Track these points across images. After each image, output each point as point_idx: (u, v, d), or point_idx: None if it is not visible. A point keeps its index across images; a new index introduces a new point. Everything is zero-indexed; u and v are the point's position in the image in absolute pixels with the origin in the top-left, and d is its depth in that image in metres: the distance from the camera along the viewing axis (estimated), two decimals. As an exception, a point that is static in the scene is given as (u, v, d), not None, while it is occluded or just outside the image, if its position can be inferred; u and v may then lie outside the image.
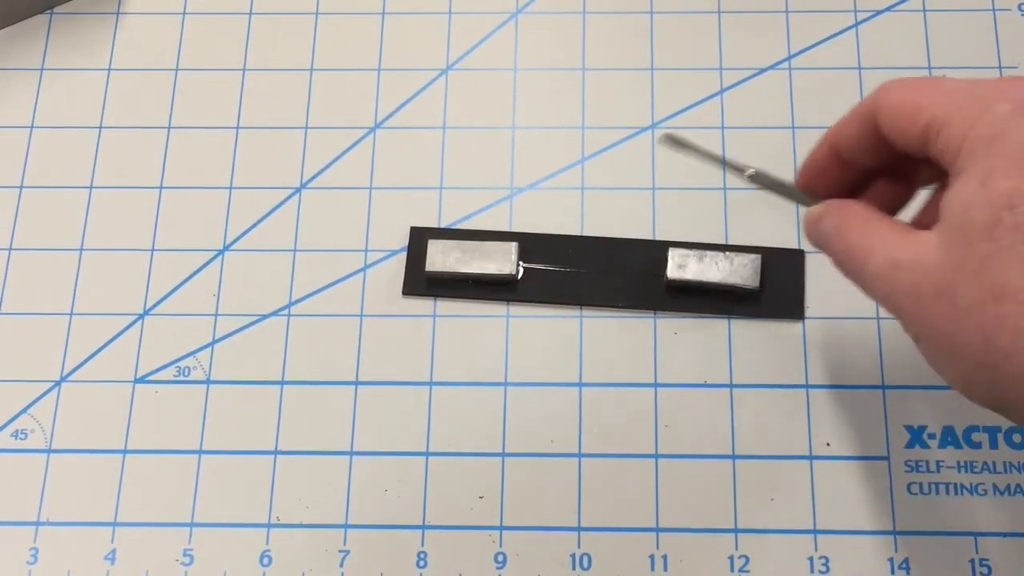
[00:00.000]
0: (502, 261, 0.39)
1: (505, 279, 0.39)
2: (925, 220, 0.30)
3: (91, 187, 0.42)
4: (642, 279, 0.40)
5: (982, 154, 0.27)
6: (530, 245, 0.40)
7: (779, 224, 0.40)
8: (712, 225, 0.40)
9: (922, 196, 0.33)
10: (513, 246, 0.39)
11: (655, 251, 0.40)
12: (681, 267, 0.39)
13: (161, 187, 0.42)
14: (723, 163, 0.35)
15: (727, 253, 0.39)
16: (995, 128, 0.27)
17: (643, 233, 0.41)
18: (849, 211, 0.31)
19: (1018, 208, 0.25)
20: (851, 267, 0.30)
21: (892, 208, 0.33)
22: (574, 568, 0.36)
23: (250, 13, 0.45)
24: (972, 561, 0.36)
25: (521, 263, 0.40)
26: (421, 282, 0.40)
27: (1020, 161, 0.26)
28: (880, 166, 0.32)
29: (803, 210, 0.33)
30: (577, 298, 0.40)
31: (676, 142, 0.35)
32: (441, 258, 0.39)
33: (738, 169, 0.34)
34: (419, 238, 0.40)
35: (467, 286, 0.40)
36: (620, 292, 0.40)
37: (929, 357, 0.28)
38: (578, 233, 0.41)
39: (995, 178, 0.26)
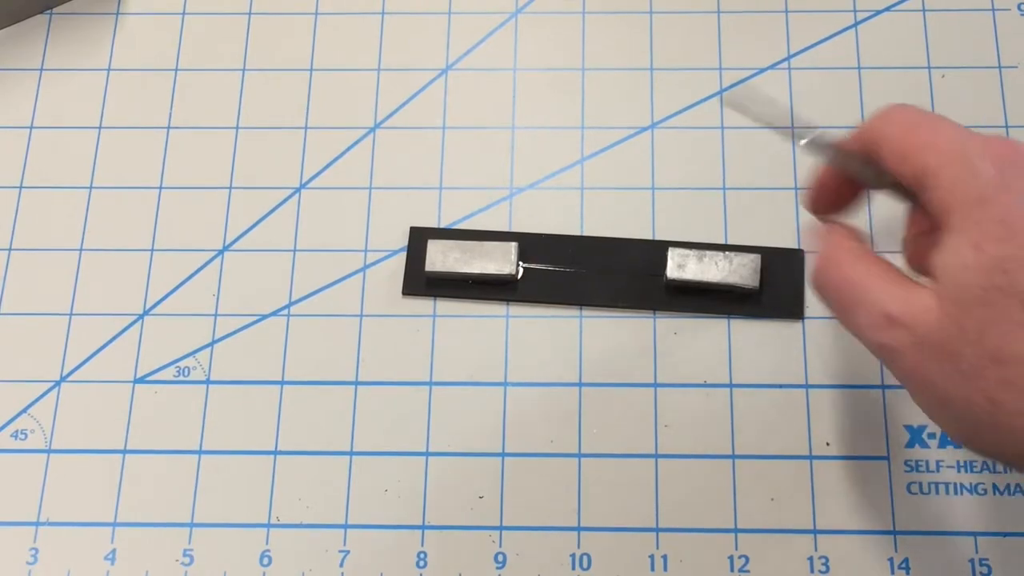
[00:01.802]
0: (502, 261, 0.39)
1: (505, 279, 0.39)
2: (917, 251, 0.31)
3: (91, 187, 0.42)
4: (642, 279, 0.40)
5: (973, 218, 0.28)
6: (530, 245, 0.40)
7: (779, 224, 0.40)
8: (712, 225, 0.40)
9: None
10: (513, 246, 0.39)
11: (655, 251, 0.40)
12: (681, 267, 0.39)
13: (161, 187, 0.42)
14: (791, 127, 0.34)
15: (727, 253, 0.39)
16: (982, 191, 0.28)
17: (643, 233, 0.40)
18: (843, 248, 0.31)
19: (1011, 273, 0.27)
20: (841, 307, 0.31)
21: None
22: (574, 568, 0.36)
23: (250, 13, 0.45)
24: (972, 561, 0.36)
25: (521, 263, 0.40)
26: (421, 282, 0.40)
27: (1009, 228, 0.27)
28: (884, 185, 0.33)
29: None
30: (577, 298, 0.40)
31: (737, 105, 0.34)
32: (441, 258, 0.39)
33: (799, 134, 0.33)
34: (419, 238, 0.40)
35: (467, 286, 0.40)
36: (620, 292, 0.40)
37: (926, 409, 0.30)
38: (578, 233, 0.41)
39: (987, 243, 0.27)
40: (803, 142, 0.33)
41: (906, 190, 0.31)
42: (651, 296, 0.39)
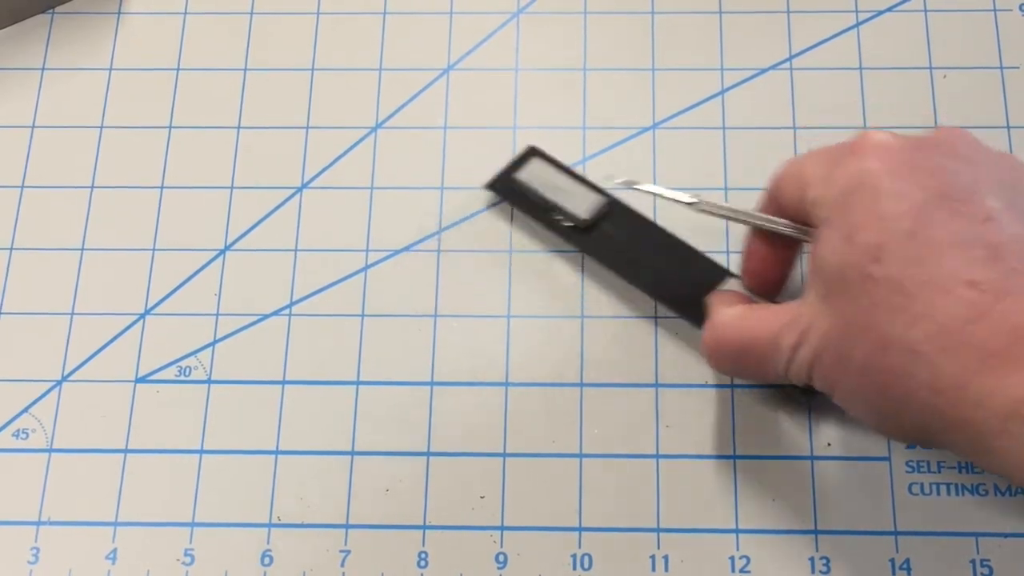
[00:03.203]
0: (580, 207, 0.39)
1: (576, 222, 0.39)
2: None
3: (92, 187, 0.42)
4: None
5: (841, 209, 0.29)
6: (617, 214, 0.39)
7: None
8: (713, 225, 0.40)
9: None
10: (598, 198, 0.39)
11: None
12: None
13: (162, 187, 0.42)
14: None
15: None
16: (848, 182, 0.29)
17: (644, 233, 0.40)
18: (731, 313, 0.34)
19: (884, 260, 0.27)
20: (749, 363, 0.33)
21: None
22: (575, 568, 0.36)
23: (251, 13, 0.45)
24: (973, 562, 0.36)
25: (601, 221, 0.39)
26: (508, 187, 0.40)
27: (875, 215, 0.28)
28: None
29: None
30: (639, 281, 0.39)
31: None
32: (536, 174, 0.40)
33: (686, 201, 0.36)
34: (530, 154, 0.41)
35: (544, 215, 0.40)
36: (677, 298, 0.39)
37: (846, 408, 0.31)
38: None
39: (857, 233, 0.28)
40: (696, 205, 0.35)
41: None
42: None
